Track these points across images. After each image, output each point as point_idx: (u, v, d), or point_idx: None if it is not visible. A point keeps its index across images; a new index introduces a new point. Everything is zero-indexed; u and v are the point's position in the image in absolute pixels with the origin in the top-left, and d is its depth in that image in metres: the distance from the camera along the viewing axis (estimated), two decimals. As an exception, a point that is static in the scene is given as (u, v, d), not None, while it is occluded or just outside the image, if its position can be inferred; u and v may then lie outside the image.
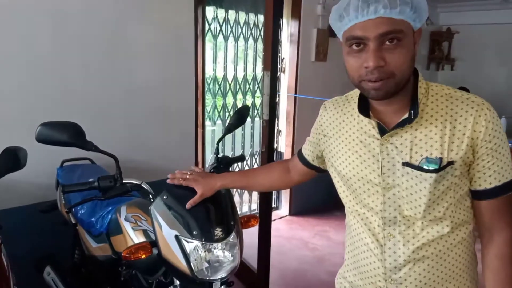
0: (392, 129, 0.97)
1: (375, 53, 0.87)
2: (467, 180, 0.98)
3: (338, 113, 1.12)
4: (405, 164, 0.96)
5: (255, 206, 4.03)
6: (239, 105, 3.64)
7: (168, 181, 1.36)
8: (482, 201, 0.98)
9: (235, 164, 3.29)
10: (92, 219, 1.78)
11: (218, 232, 1.30)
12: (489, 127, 0.92)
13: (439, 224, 0.98)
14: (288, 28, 3.74)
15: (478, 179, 0.96)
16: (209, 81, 3.38)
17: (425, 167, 0.94)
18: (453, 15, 5.61)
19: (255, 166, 3.95)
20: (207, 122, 3.41)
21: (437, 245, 0.99)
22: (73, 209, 1.87)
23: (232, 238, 1.33)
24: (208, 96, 3.37)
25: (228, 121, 1.82)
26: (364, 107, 1.02)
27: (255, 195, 3.95)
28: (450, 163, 0.93)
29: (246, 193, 3.91)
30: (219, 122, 3.61)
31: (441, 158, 0.93)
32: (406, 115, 0.96)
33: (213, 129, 3.61)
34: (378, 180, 1.00)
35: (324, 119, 1.16)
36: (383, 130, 0.99)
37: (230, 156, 1.86)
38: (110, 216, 1.74)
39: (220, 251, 1.31)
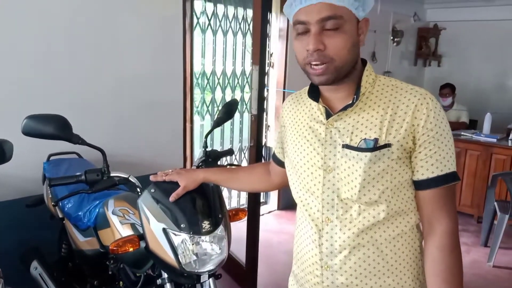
0: (336, 113, 1.01)
1: (315, 36, 0.92)
2: (409, 168, 0.99)
3: (294, 103, 1.16)
4: (345, 146, 0.99)
5: (243, 201, 4.05)
6: (228, 99, 3.63)
7: (151, 178, 1.36)
8: (424, 191, 0.99)
9: (224, 158, 3.29)
10: (79, 213, 1.77)
11: (205, 225, 1.30)
12: (431, 115, 0.94)
13: (375, 209, 0.98)
14: (277, 22, 3.75)
15: (421, 168, 0.97)
16: (197, 76, 3.37)
17: (361, 147, 0.97)
18: (440, 12, 5.67)
19: (244, 160, 3.96)
20: (196, 117, 3.40)
21: (374, 234, 1.00)
22: (60, 203, 1.86)
23: (219, 231, 1.34)
24: (196, 91, 3.36)
25: (216, 115, 1.82)
26: (315, 94, 1.06)
27: (243, 189, 3.96)
28: (387, 145, 0.95)
29: (234, 187, 3.91)
30: (207, 117, 3.60)
31: (377, 139, 0.96)
32: (351, 101, 1.00)
33: (201, 123, 3.60)
34: (320, 163, 1.02)
35: (285, 112, 1.19)
36: (330, 116, 1.02)
37: (218, 150, 1.86)
38: (97, 210, 1.73)
39: (207, 244, 1.32)
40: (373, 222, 0.99)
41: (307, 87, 1.10)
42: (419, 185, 0.99)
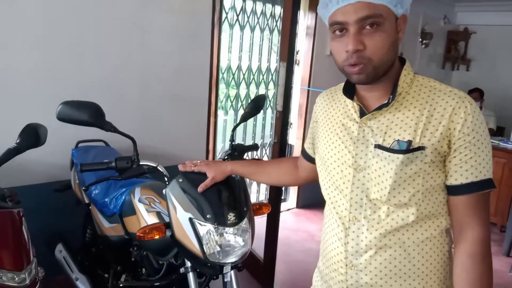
0: (370, 112, 0.99)
1: (355, 36, 0.90)
2: (442, 172, 0.97)
3: (329, 99, 1.16)
4: (377, 146, 0.97)
5: (262, 197, 4.06)
6: (252, 96, 3.64)
7: (180, 168, 1.38)
8: (457, 197, 0.96)
9: (246, 153, 3.30)
10: (106, 200, 1.81)
11: (231, 216, 1.32)
12: (468, 119, 0.92)
13: (404, 211, 0.97)
14: (305, 20, 3.73)
15: (455, 173, 0.95)
16: (223, 71, 3.39)
17: (394, 148, 0.95)
18: (471, 15, 5.54)
19: (265, 157, 3.97)
20: (220, 112, 3.42)
21: (402, 236, 0.98)
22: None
23: (244, 223, 1.35)
24: (221, 86, 3.38)
25: (243, 109, 1.83)
26: (351, 92, 1.05)
27: (263, 185, 3.97)
28: (421, 148, 0.93)
29: (254, 183, 3.93)
30: (231, 112, 3.62)
31: (410, 141, 0.94)
32: (386, 101, 0.98)
33: (225, 118, 3.63)
34: (351, 162, 1.01)
35: (319, 108, 1.19)
36: (364, 114, 1.01)
37: (244, 144, 1.87)
38: (123, 197, 1.76)
39: (232, 236, 1.33)
40: (401, 224, 0.98)
41: (342, 84, 1.09)
42: (452, 190, 0.97)
